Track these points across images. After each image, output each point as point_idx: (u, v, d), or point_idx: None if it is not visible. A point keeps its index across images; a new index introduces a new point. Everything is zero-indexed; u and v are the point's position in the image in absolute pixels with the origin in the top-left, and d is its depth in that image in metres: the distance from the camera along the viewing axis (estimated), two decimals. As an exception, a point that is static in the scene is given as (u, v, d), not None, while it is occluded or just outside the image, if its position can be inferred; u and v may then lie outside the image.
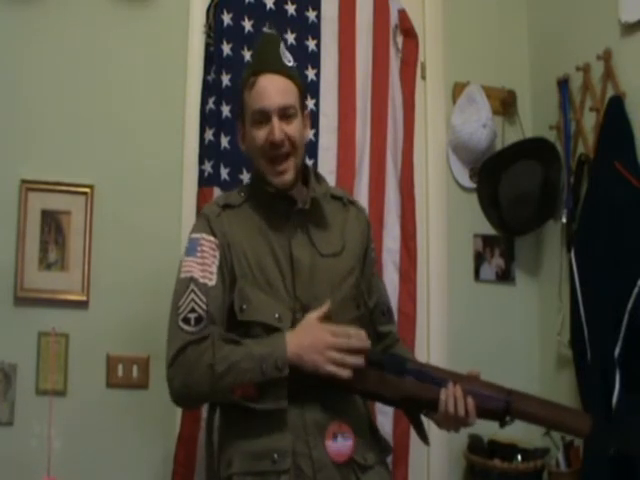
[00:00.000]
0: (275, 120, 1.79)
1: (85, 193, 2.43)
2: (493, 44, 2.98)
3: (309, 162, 2.40)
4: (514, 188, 2.81)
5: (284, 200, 1.84)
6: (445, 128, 2.88)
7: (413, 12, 2.79)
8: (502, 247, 2.89)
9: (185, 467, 2.30)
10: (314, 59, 2.59)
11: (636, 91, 2.46)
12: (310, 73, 2.58)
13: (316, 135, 2.54)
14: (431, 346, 2.74)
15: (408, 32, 2.75)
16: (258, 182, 1.89)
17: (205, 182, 2.43)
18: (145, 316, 2.41)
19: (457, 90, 2.89)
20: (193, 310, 1.72)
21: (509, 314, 2.88)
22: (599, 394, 2.37)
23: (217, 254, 1.79)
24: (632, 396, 2.30)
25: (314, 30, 2.61)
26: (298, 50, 2.52)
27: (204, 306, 1.73)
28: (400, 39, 2.75)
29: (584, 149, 2.67)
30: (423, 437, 1.85)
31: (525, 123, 2.94)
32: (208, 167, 2.44)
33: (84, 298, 2.40)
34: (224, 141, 2.45)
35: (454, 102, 2.89)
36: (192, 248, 1.80)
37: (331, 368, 1.68)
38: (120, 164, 2.49)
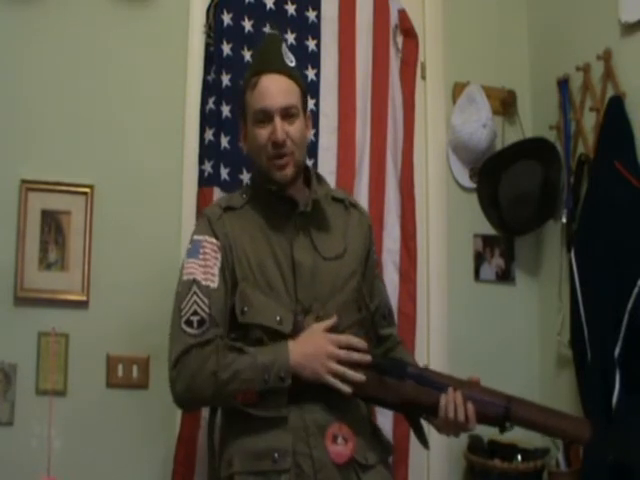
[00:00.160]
0: (277, 120, 1.80)
1: (85, 193, 2.43)
2: (493, 44, 2.98)
3: (309, 162, 2.40)
4: (514, 188, 2.81)
5: (286, 202, 1.85)
6: (445, 128, 2.88)
7: (413, 12, 2.79)
8: (502, 247, 2.89)
9: (185, 467, 2.30)
10: (314, 59, 2.59)
11: (636, 91, 2.46)
12: (310, 73, 2.58)
13: (316, 135, 2.54)
14: (431, 346, 2.74)
15: (408, 32, 2.75)
16: (259, 182, 1.90)
17: (205, 182, 2.43)
18: (145, 316, 2.41)
19: (457, 90, 2.89)
20: (195, 313, 1.73)
21: (509, 314, 2.88)
22: (599, 394, 2.37)
23: (219, 256, 1.79)
24: (632, 396, 2.30)
25: (314, 30, 2.61)
26: (298, 50, 2.51)
27: (206, 309, 1.73)
28: (400, 39, 2.74)
29: (584, 149, 2.67)
30: (423, 441, 1.86)
31: (525, 123, 2.94)
32: (208, 167, 2.44)
33: (84, 298, 2.40)
34: (224, 141, 2.45)
35: (454, 102, 2.89)
36: (194, 250, 1.80)
37: (332, 380, 1.70)
38: (120, 164, 2.49)
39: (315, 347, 1.71)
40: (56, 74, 2.46)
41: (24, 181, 2.38)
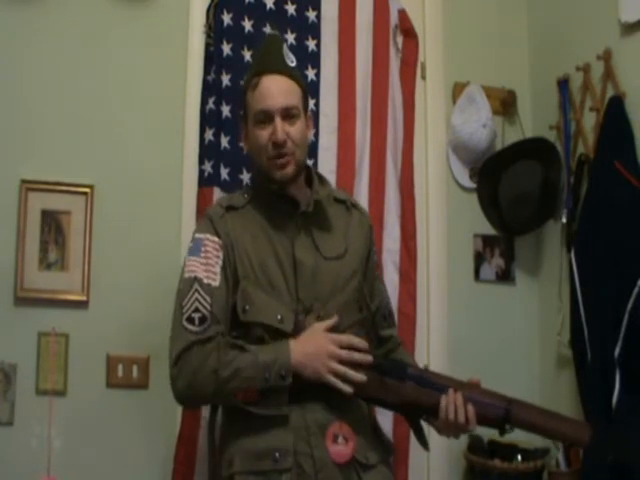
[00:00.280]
0: (278, 120, 1.80)
1: (85, 193, 2.43)
2: (493, 44, 2.98)
3: (309, 162, 2.40)
4: (514, 188, 2.81)
5: (287, 202, 1.85)
6: (445, 128, 2.88)
7: (413, 12, 2.79)
8: (502, 247, 2.89)
9: (185, 466, 2.30)
10: (314, 59, 2.59)
11: (636, 91, 2.46)
12: (310, 73, 2.58)
13: (316, 135, 2.53)
14: (431, 346, 2.74)
15: (408, 32, 2.75)
16: (259, 181, 1.90)
17: (205, 182, 2.43)
18: (145, 316, 2.41)
19: (457, 90, 2.89)
20: (197, 310, 1.73)
21: (509, 314, 2.88)
22: (599, 394, 2.37)
23: (220, 254, 1.79)
24: (632, 396, 2.30)
25: (314, 30, 2.61)
26: (298, 50, 2.51)
27: (208, 306, 1.74)
28: (400, 39, 2.74)
29: (584, 149, 2.67)
30: (423, 442, 1.87)
31: (525, 123, 2.94)
32: (208, 167, 2.43)
33: (84, 298, 2.40)
34: (224, 141, 2.45)
35: (454, 102, 2.89)
36: (196, 248, 1.80)
37: (333, 380, 1.70)
38: (120, 164, 2.49)
39: (316, 346, 1.71)
40: (56, 74, 2.46)
41: (24, 181, 2.38)
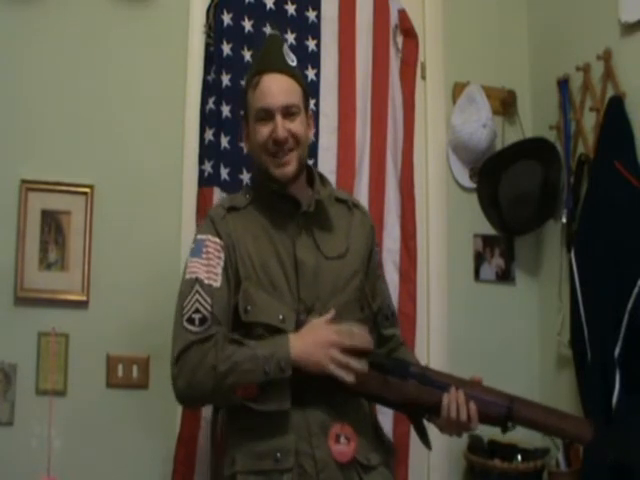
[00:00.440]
0: (278, 118, 1.80)
1: (85, 193, 2.43)
2: (493, 44, 2.98)
3: (309, 162, 2.40)
4: (514, 188, 2.81)
5: (288, 201, 1.85)
6: (445, 128, 2.88)
7: (413, 12, 2.79)
8: (502, 247, 2.89)
9: (185, 466, 2.30)
10: (314, 59, 2.59)
11: (636, 91, 2.46)
12: (310, 73, 2.58)
13: (316, 135, 2.53)
14: (431, 346, 2.74)
15: (408, 32, 2.75)
16: (259, 181, 1.90)
17: (205, 182, 2.43)
18: (145, 316, 2.41)
19: (457, 90, 2.89)
20: (197, 311, 1.73)
21: (509, 314, 2.88)
22: (599, 394, 2.37)
23: (222, 255, 1.79)
24: (632, 396, 2.30)
25: (314, 30, 2.61)
26: (298, 50, 2.51)
27: (209, 307, 1.73)
28: (400, 39, 2.75)
29: (584, 149, 2.67)
30: (425, 441, 1.86)
31: (525, 123, 2.94)
32: (208, 167, 2.43)
33: (84, 298, 2.40)
34: (224, 141, 2.45)
35: (454, 102, 2.89)
36: (197, 249, 1.80)
37: (335, 369, 1.69)
38: (120, 164, 2.49)
39: (317, 337, 1.70)
40: (56, 74, 2.46)
41: (24, 181, 2.38)
